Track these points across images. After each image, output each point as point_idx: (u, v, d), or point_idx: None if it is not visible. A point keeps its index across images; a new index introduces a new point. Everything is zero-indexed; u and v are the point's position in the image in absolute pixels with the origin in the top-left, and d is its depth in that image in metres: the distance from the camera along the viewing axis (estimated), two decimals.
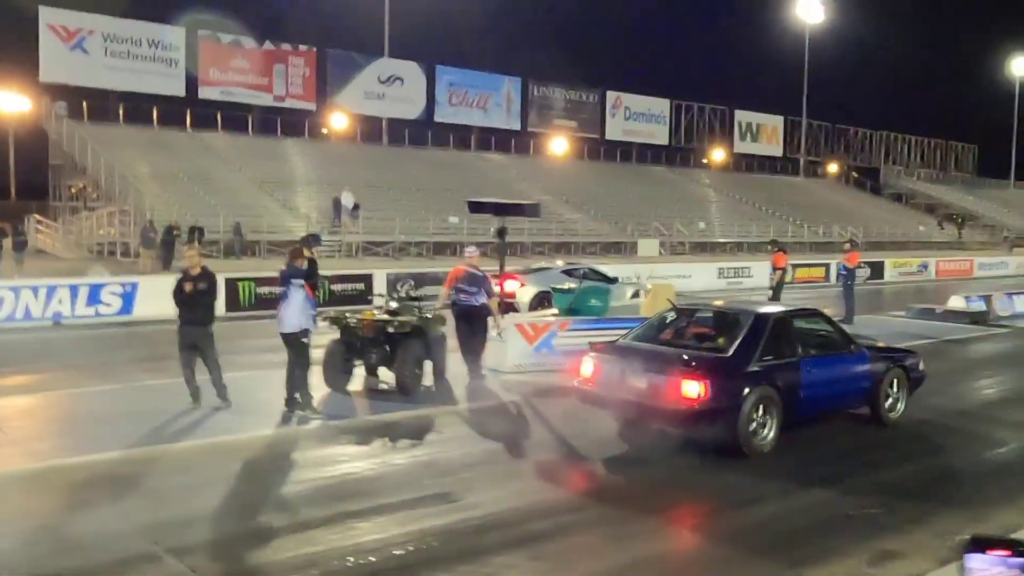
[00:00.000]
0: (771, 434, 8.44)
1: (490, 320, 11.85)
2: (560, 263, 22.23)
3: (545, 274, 19.64)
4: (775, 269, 20.12)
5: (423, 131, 53.12)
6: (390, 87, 51.03)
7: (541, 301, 17.87)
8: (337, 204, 36.36)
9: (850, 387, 9.62)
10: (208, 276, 9.96)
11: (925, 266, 36.53)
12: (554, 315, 13.91)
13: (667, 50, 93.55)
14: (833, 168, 75.16)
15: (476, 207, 13.34)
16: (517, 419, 10.28)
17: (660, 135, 63.58)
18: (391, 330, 10.77)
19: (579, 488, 7.85)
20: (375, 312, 11.35)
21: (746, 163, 68.55)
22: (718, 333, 9.35)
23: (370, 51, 50.75)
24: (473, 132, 54.70)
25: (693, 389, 8.01)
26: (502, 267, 13.37)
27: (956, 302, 20.13)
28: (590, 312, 13.58)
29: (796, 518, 6.99)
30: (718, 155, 68.43)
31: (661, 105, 63.63)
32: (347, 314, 11.48)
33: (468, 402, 10.91)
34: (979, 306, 20.16)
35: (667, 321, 9.93)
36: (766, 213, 55.69)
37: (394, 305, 11.81)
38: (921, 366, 10.51)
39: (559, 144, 59.77)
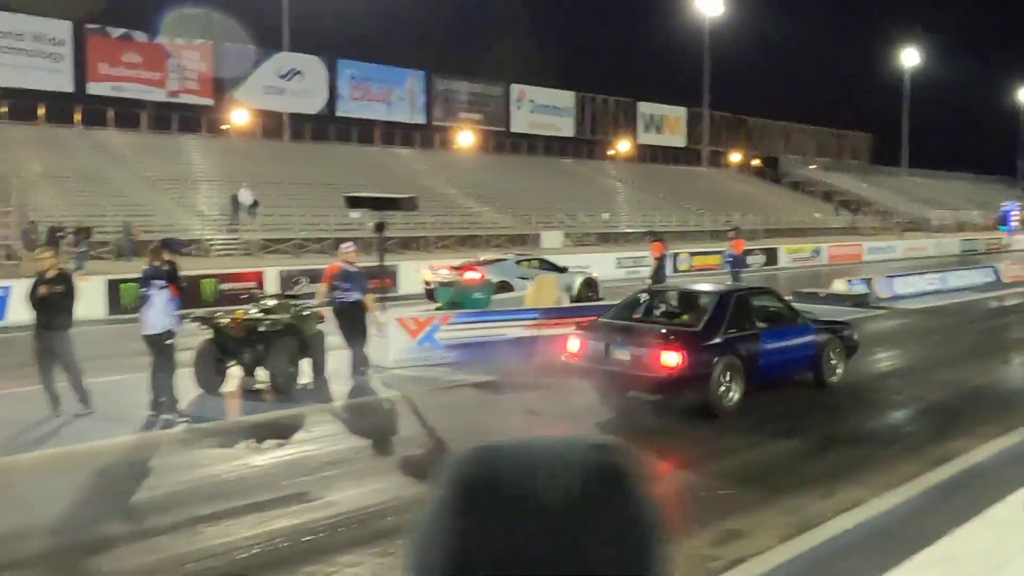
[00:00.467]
0: (736, 396, 9.58)
1: (369, 316, 11.71)
2: (511, 255, 23.04)
3: (501, 265, 20.14)
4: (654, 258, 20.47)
5: (325, 126, 52.41)
6: (290, 81, 50.12)
7: (500, 289, 17.87)
8: (235, 201, 35.57)
9: (799, 355, 10.82)
10: (64, 278, 9.60)
11: (818, 251, 37.71)
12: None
13: (571, 43, 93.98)
14: (735, 158, 76.99)
15: (353, 202, 13.17)
16: (390, 415, 10.24)
17: (565, 127, 64.05)
18: (262, 329, 10.57)
19: None
20: (248, 311, 11.10)
21: (651, 154, 69.68)
22: (687, 311, 10.59)
23: (268, 45, 49.71)
24: (377, 126, 54.19)
25: (672, 359, 9.09)
26: (381, 262, 13.23)
27: (839, 286, 20.81)
28: (473, 305, 13.56)
29: (764, 461, 8.20)
30: (623, 146, 69.31)
31: (566, 98, 64.09)
32: (218, 314, 11.22)
33: (344, 399, 10.78)
34: (861, 289, 20.88)
35: (640, 302, 11.11)
36: (670, 203, 56.65)
37: (271, 303, 11.61)
38: (855, 336, 11.83)
39: (465, 137, 59.72)
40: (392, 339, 12.35)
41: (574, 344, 10.19)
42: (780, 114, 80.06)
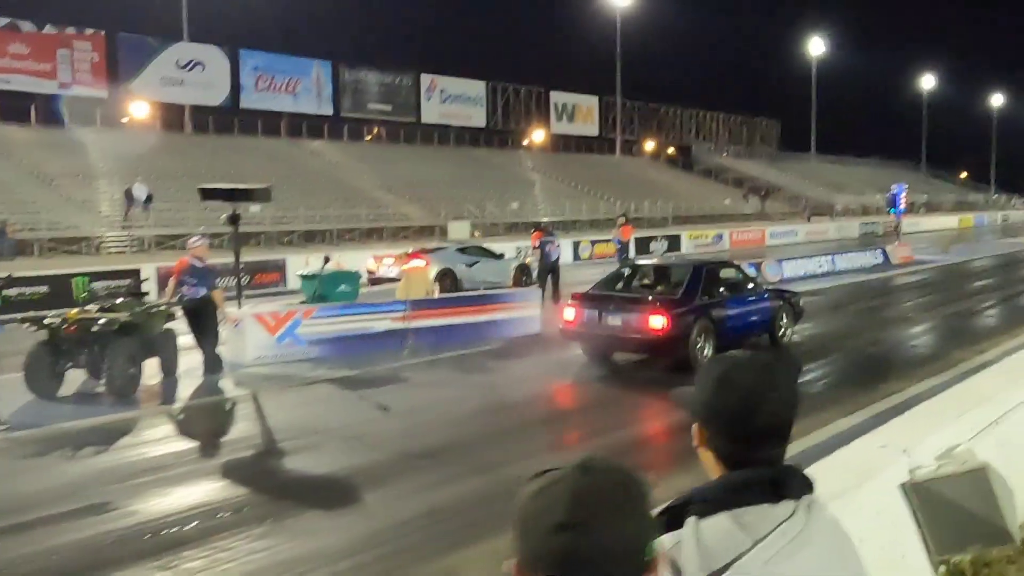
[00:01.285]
0: (709, 353, 10.94)
1: (220, 313, 11.23)
2: (451, 244, 23.96)
3: (443, 253, 20.67)
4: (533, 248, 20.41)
5: (229, 118, 51.01)
6: (190, 72, 48.61)
7: (443, 277, 19.19)
8: (128, 196, 34.35)
9: (758, 318, 12.57)
10: None
11: (720, 237, 38.19)
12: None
13: (482, 32, 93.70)
14: (649, 146, 77.71)
15: (206, 194, 12.59)
16: (229, 416, 9.82)
17: (477, 117, 63.69)
18: (96, 329, 10.00)
19: (256, 487, 7.40)
20: (83, 310, 10.50)
21: (564, 143, 69.86)
22: (664, 282, 12.22)
23: (167, 35, 48.15)
24: (283, 118, 53.00)
25: (658, 322, 10.70)
26: (237, 257, 12.73)
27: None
28: (338, 298, 13.19)
29: None
30: (537, 136, 69.30)
31: (477, 87, 63.70)
32: (49, 314, 10.60)
33: (184, 401, 10.28)
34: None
35: (624, 275, 12.85)
36: (584, 192, 56.85)
37: (119, 301, 11.04)
38: (801, 303, 13.72)
39: (374, 128, 58.89)
40: (249, 336, 11.89)
41: (570, 313, 11.69)
42: (692, 102, 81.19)
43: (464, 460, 7.71)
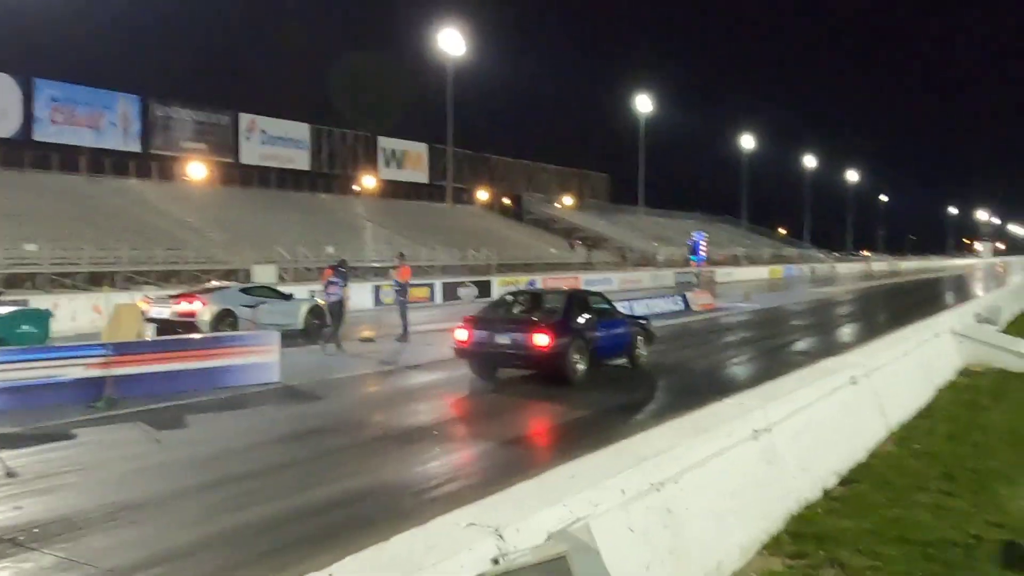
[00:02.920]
0: (583, 369, 12.62)
1: None
2: (234, 284, 22.66)
3: (224, 293, 19.32)
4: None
5: (19, 151, 46.86)
6: None
7: (223, 319, 18.08)
8: None
9: (621, 341, 14.02)
10: None
11: (533, 283, 37.66)
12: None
13: (306, 74, 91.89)
14: (483, 196, 77.53)
15: None
16: None
17: (301, 160, 61.53)
18: None
19: None
20: None
21: (394, 190, 68.59)
22: (543, 307, 13.64)
23: None
24: (83, 153, 49.21)
25: (543, 340, 12.05)
26: None
27: None
28: (23, 340, 11.16)
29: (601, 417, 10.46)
30: (367, 182, 67.74)
31: (300, 129, 61.69)
32: None
33: None
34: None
35: (508, 300, 14.45)
36: (414, 239, 55.58)
37: None
38: (653, 328, 15.48)
39: (189, 168, 55.77)
40: None
41: (462, 334, 12.87)
42: (523, 153, 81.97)
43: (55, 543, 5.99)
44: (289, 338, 19.00)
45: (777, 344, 19.03)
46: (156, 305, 18.94)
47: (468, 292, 34.01)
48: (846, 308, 32.08)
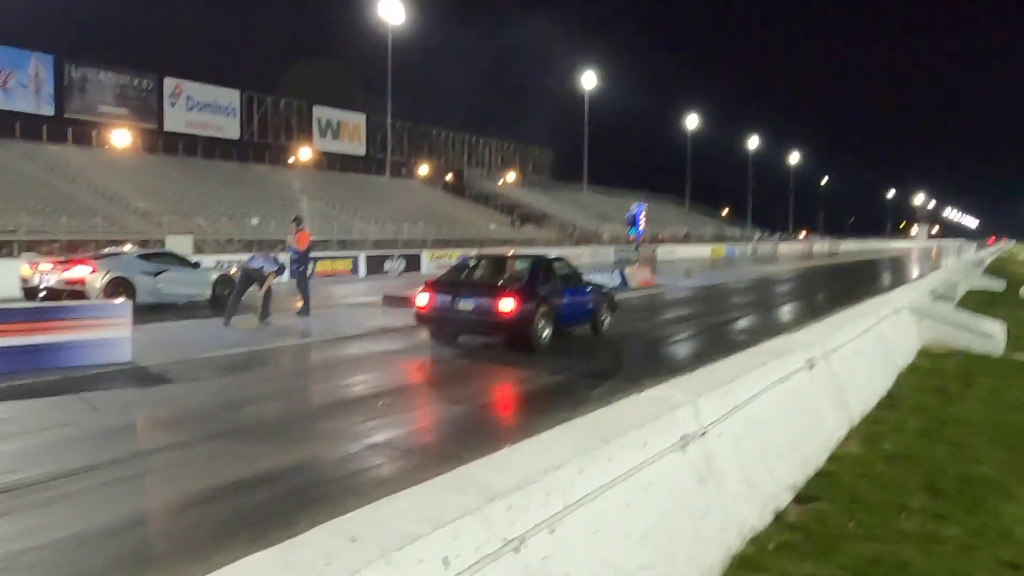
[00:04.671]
0: (548, 335, 12.20)
1: None
2: (128, 247, 21.17)
3: (121, 259, 17.56)
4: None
5: None
6: None
7: (117, 287, 16.44)
8: None
9: (586, 308, 13.72)
10: None
11: (465, 257, 35.83)
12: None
13: (236, 37, 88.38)
14: (423, 170, 75.27)
15: None
16: None
17: (230, 128, 58.78)
18: None
19: None
20: None
21: (329, 161, 66.09)
22: (507, 272, 12.92)
23: None
24: None
25: (508, 305, 11.54)
26: None
27: None
28: None
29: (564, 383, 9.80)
30: (300, 153, 65.09)
31: (230, 96, 58.86)
32: None
33: None
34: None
35: (471, 265, 13.67)
36: (351, 213, 53.31)
37: None
38: (617, 297, 15.41)
39: (108, 134, 52.70)
40: None
41: (423, 299, 12.37)
42: (465, 127, 79.89)
43: None
44: (192, 310, 17.13)
45: (717, 321, 17.55)
46: (42, 271, 16.87)
47: (395, 265, 32.09)
48: (788, 286, 30.92)
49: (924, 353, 11.45)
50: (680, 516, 3.75)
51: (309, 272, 18.02)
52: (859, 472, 5.68)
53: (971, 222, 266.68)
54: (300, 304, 16.20)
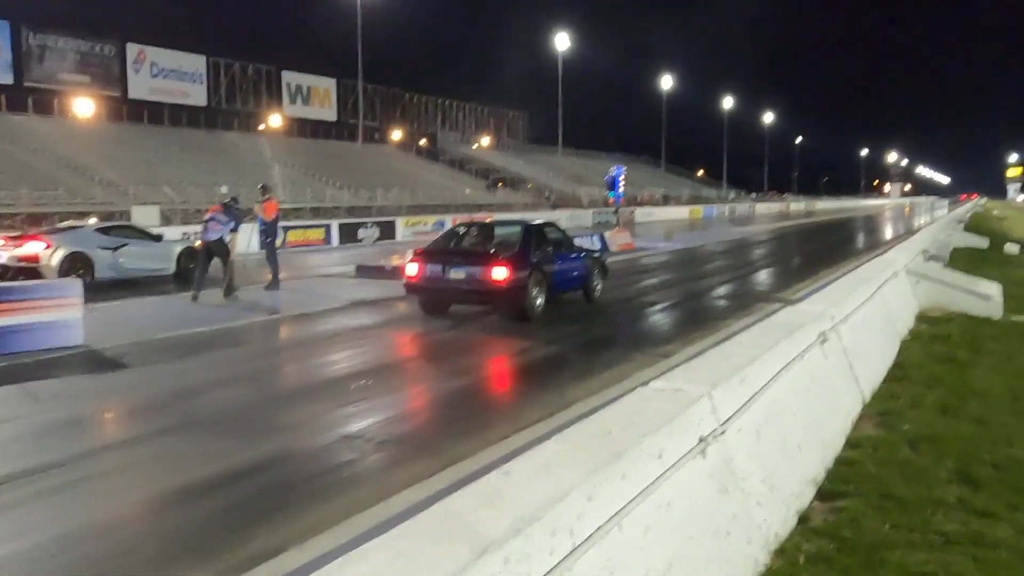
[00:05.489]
0: (541, 303, 11.84)
1: None
2: (93, 220, 20.74)
3: (77, 233, 16.74)
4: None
5: None
6: None
7: (74, 263, 15.70)
8: None
9: (578, 274, 13.27)
10: None
11: (442, 224, 35.05)
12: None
13: (199, 3, 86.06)
14: (396, 135, 74.02)
15: None
16: None
17: (197, 95, 57.36)
18: None
19: None
20: None
21: (299, 127, 64.77)
22: (498, 239, 12.77)
23: None
24: None
25: (500, 274, 11.24)
26: None
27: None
28: None
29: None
30: (270, 119, 63.67)
31: (196, 62, 57.37)
32: None
33: None
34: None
35: (460, 233, 13.36)
36: (316, 179, 52.20)
37: None
38: (608, 261, 15.08)
39: (70, 102, 51.16)
40: None
41: (412, 268, 11.95)
42: (438, 90, 78.61)
43: None
44: (156, 285, 16.32)
45: (706, 286, 17.02)
46: None
47: (369, 233, 31.29)
48: (770, 247, 30.52)
49: (922, 318, 10.95)
50: (705, 537, 3.16)
51: (280, 242, 17.26)
52: (882, 459, 5.12)
53: (943, 179, 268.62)
54: (270, 277, 15.45)
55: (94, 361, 8.85)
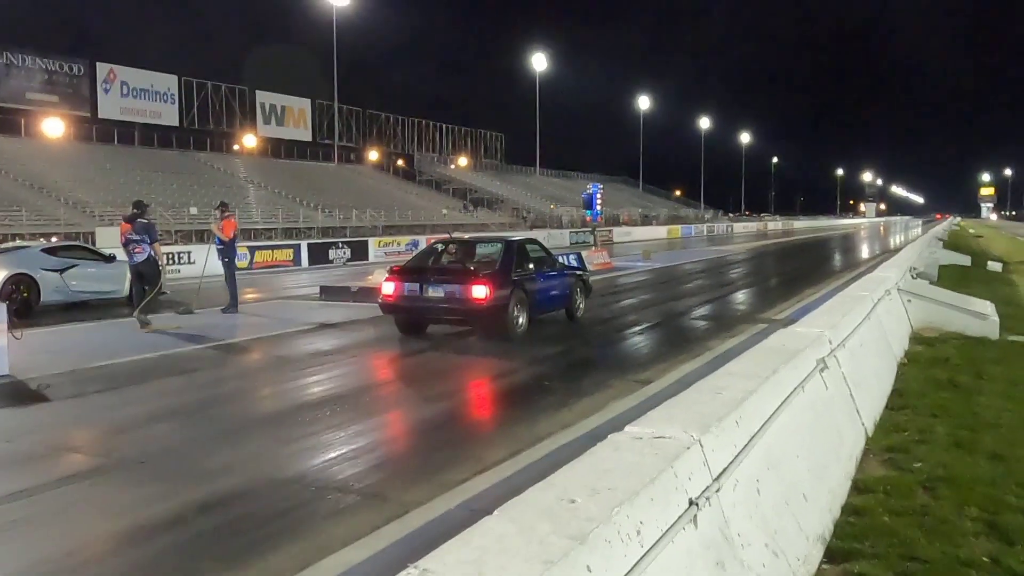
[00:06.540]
0: (523, 322, 11.56)
1: None
2: (40, 241, 19.73)
3: (21, 254, 15.74)
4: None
5: None
6: None
7: (17, 285, 14.76)
8: None
9: (560, 293, 12.92)
10: None
11: (415, 243, 34.36)
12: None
13: (173, 19, 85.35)
14: (373, 156, 73.33)
15: None
16: None
17: (168, 115, 56.45)
18: None
19: None
20: None
21: (274, 147, 64.01)
22: (478, 257, 12.49)
23: None
24: None
25: (481, 292, 10.93)
26: None
27: (379, 278, 16.81)
28: None
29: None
30: (244, 139, 62.84)
31: (167, 81, 56.50)
32: None
33: None
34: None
35: (439, 250, 12.92)
36: (290, 199, 51.37)
37: None
38: (590, 280, 14.48)
39: (37, 122, 50.17)
40: None
41: (389, 287, 11.58)
42: (415, 111, 78.13)
43: None
44: (107, 308, 15.42)
45: (686, 306, 16.36)
46: None
47: (340, 254, 30.49)
48: (749, 266, 30.03)
49: (917, 339, 10.33)
50: None
51: (248, 262, 16.41)
52: (896, 507, 4.42)
53: (918, 199, 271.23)
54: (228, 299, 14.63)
55: (14, 393, 8.01)
